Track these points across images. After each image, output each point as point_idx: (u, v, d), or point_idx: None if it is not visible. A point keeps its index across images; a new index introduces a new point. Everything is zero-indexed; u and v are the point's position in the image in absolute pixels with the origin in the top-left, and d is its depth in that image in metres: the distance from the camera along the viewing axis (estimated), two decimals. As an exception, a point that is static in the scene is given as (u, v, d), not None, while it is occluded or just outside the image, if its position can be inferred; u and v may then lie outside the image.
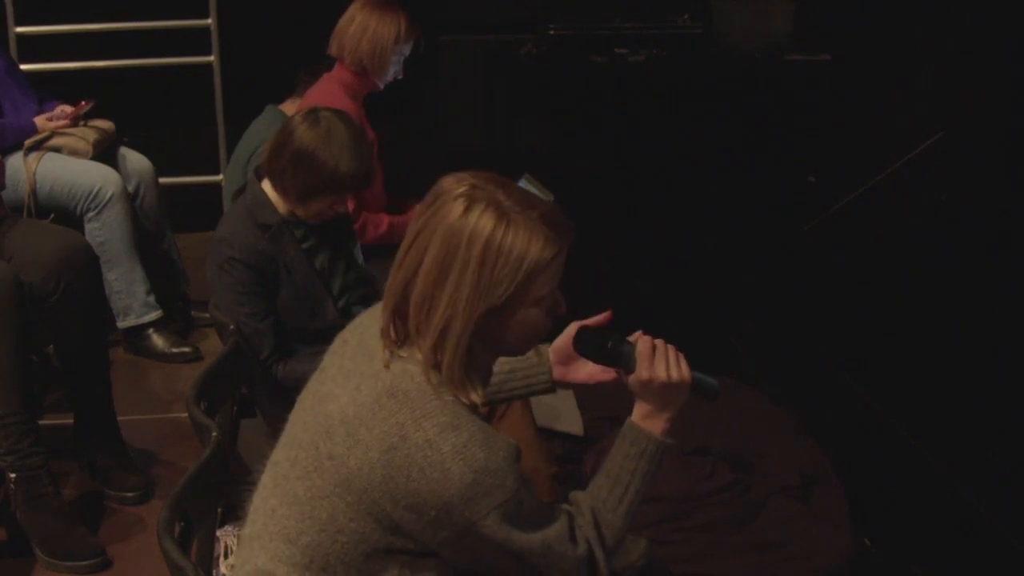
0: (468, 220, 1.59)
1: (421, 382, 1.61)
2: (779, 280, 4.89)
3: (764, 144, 5.87)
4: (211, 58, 4.98)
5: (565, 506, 1.76)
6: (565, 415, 3.29)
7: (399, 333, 1.66)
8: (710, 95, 5.89)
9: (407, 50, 3.57)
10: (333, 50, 3.54)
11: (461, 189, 1.62)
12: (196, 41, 4.98)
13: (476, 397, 1.64)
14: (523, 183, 3.46)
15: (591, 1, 6.21)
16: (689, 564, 2.80)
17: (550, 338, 1.91)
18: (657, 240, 5.27)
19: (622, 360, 1.81)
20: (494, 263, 1.59)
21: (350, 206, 3.34)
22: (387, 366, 1.63)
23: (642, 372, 1.77)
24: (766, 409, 3.57)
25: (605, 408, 3.17)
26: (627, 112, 5.94)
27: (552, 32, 6.06)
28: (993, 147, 5.30)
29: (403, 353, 1.65)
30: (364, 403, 1.62)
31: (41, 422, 2.88)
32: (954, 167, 5.21)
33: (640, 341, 1.80)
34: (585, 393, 3.34)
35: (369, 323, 1.73)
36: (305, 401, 1.75)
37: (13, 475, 2.75)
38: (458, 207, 1.60)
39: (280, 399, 2.42)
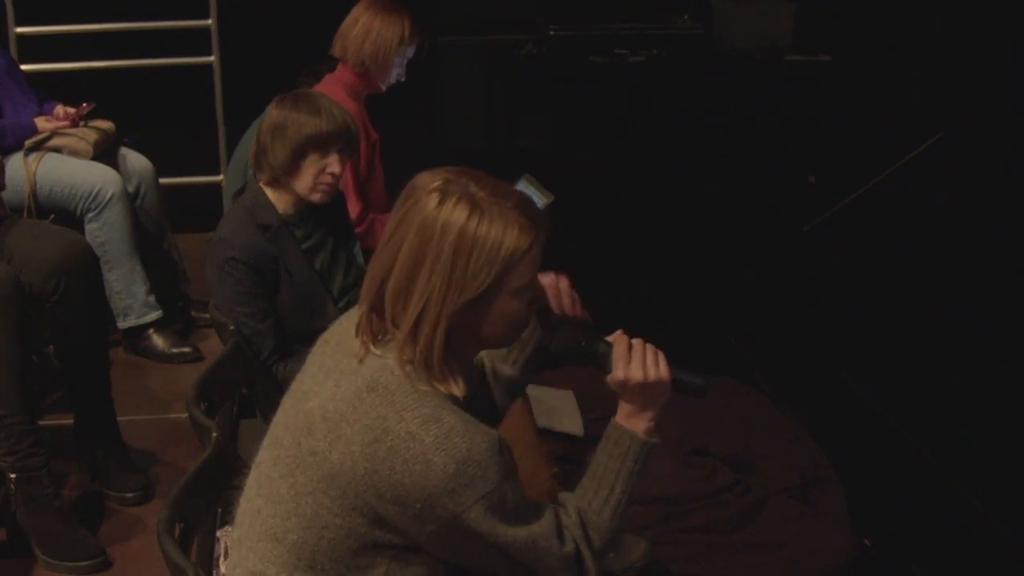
0: (441, 212, 1.60)
1: (400, 375, 1.62)
2: (779, 280, 4.90)
3: (764, 144, 5.87)
4: (211, 58, 4.98)
5: (553, 505, 1.75)
6: (565, 415, 3.30)
7: (375, 330, 1.66)
8: (710, 95, 5.89)
9: (411, 52, 3.57)
10: (336, 51, 3.54)
11: (435, 183, 1.63)
12: (196, 41, 4.98)
13: (457, 390, 1.64)
14: (523, 183, 3.45)
15: (591, 1, 6.22)
16: (689, 564, 2.80)
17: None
18: (657, 240, 5.28)
19: (598, 360, 1.79)
20: (469, 253, 1.59)
21: (355, 209, 3.34)
22: (361, 361, 1.64)
23: (618, 372, 1.75)
24: (766, 409, 3.58)
25: (605, 408, 3.17)
26: (627, 112, 5.94)
27: (552, 32, 6.06)
28: (993, 147, 5.30)
29: (378, 350, 1.65)
30: (344, 398, 1.63)
31: (41, 422, 2.88)
32: (954, 167, 5.21)
33: (617, 340, 1.78)
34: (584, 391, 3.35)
35: (349, 323, 1.74)
36: (286, 402, 1.76)
37: (13, 476, 2.75)
38: (432, 200, 1.61)
39: (280, 400, 2.42)
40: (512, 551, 1.63)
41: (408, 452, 1.57)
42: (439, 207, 1.60)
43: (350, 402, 1.62)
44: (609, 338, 1.80)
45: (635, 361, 1.75)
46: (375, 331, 1.66)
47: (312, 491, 1.63)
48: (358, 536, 1.62)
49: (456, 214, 1.59)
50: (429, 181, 1.64)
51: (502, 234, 1.60)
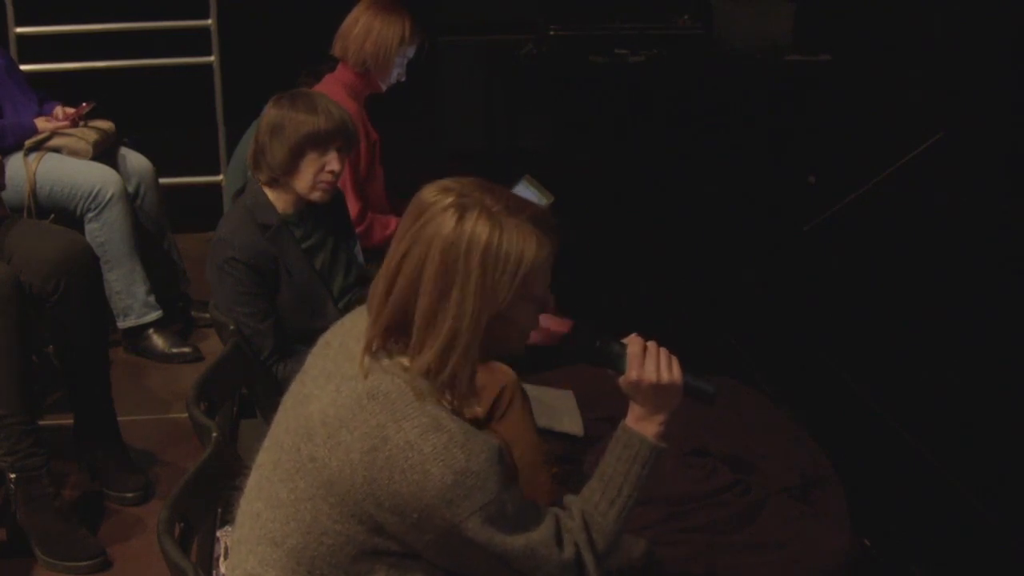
0: (463, 230, 1.59)
1: (401, 384, 1.61)
2: (779, 280, 4.90)
3: (764, 144, 5.87)
4: (211, 58, 4.98)
5: (554, 509, 1.75)
6: (565, 415, 3.29)
7: (388, 346, 1.65)
8: (710, 95, 5.89)
9: (411, 52, 3.57)
10: (337, 51, 3.54)
11: (449, 199, 1.61)
12: (196, 41, 4.99)
13: (480, 409, 1.64)
14: (523, 184, 3.46)
15: (591, 1, 6.22)
16: (689, 564, 2.80)
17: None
18: (657, 240, 5.27)
19: (612, 360, 1.79)
20: (494, 270, 1.59)
21: (355, 208, 3.34)
22: (367, 376, 1.63)
23: (631, 373, 1.76)
24: (766, 409, 3.57)
25: (605, 408, 3.17)
26: (627, 112, 5.94)
27: (552, 32, 6.06)
28: (993, 147, 5.30)
29: (384, 362, 1.64)
30: (344, 405, 1.62)
31: (41, 422, 2.88)
32: (954, 167, 5.21)
33: (632, 342, 1.78)
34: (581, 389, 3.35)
35: (351, 326, 1.73)
36: (287, 403, 1.75)
37: (13, 476, 2.75)
38: (450, 218, 1.60)
39: (280, 400, 2.42)
40: (511, 559, 1.63)
41: (406, 462, 1.56)
42: (459, 225, 1.59)
43: (350, 409, 1.61)
44: (624, 339, 1.80)
45: (649, 363, 1.75)
46: (388, 348, 1.65)
47: (311, 497, 1.63)
48: (357, 543, 1.62)
49: (479, 231, 1.59)
50: (441, 197, 1.62)
51: (523, 247, 1.60)
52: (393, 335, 1.65)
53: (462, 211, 1.60)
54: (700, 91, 5.91)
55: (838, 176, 5.61)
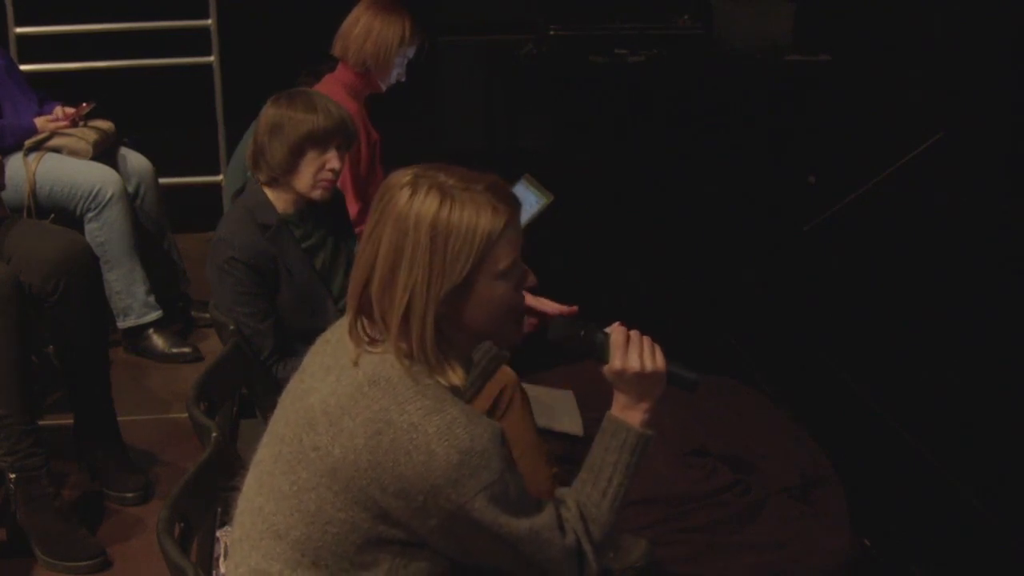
0: (413, 204, 1.62)
1: (400, 369, 1.63)
2: (779, 280, 4.90)
3: (764, 144, 5.87)
4: (211, 58, 4.98)
5: (552, 500, 1.76)
6: (565, 415, 3.30)
7: (367, 330, 1.67)
8: (710, 95, 5.89)
9: (411, 53, 3.58)
10: (337, 51, 3.55)
11: (405, 179, 1.66)
12: (196, 41, 4.99)
13: (456, 378, 1.65)
14: (523, 183, 3.46)
15: (591, 1, 6.22)
16: (689, 564, 2.80)
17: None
18: (657, 240, 5.28)
19: (595, 350, 1.80)
20: (445, 241, 1.61)
21: (354, 208, 3.34)
22: (356, 363, 1.65)
23: (615, 362, 1.77)
24: (766, 409, 3.58)
25: (605, 407, 3.17)
26: (627, 112, 5.94)
27: (552, 32, 6.07)
28: (993, 147, 5.31)
29: (375, 349, 1.66)
30: (346, 392, 1.63)
31: (41, 422, 2.88)
32: (954, 167, 5.21)
33: (615, 331, 1.79)
34: (580, 387, 3.35)
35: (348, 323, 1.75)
36: (285, 400, 1.76)
37: (13, 476, 2.75)
38: (403, 195, 1.63)
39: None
40: (515, 542, 1.64)
41: (411, 444, 1.57)
42: (411, 200, 1.62)
43: (352, 396, 1.62)
44: (607, 329, 1.81)
45: (632, 351, 1.76)
46: (368, 334, 1.67)
47: (315, 486, 1.63)
48: (361, 531, 1.62)
49: (427, 204, 1.62)
50: (400, 178, 1.67)
51: (475, 217, 1.62)
52: (363, 318, 1.67)
53: (414, 188, 1.64)
54: (700, 91, 5.92)
55: (838, 176, 5.62)
